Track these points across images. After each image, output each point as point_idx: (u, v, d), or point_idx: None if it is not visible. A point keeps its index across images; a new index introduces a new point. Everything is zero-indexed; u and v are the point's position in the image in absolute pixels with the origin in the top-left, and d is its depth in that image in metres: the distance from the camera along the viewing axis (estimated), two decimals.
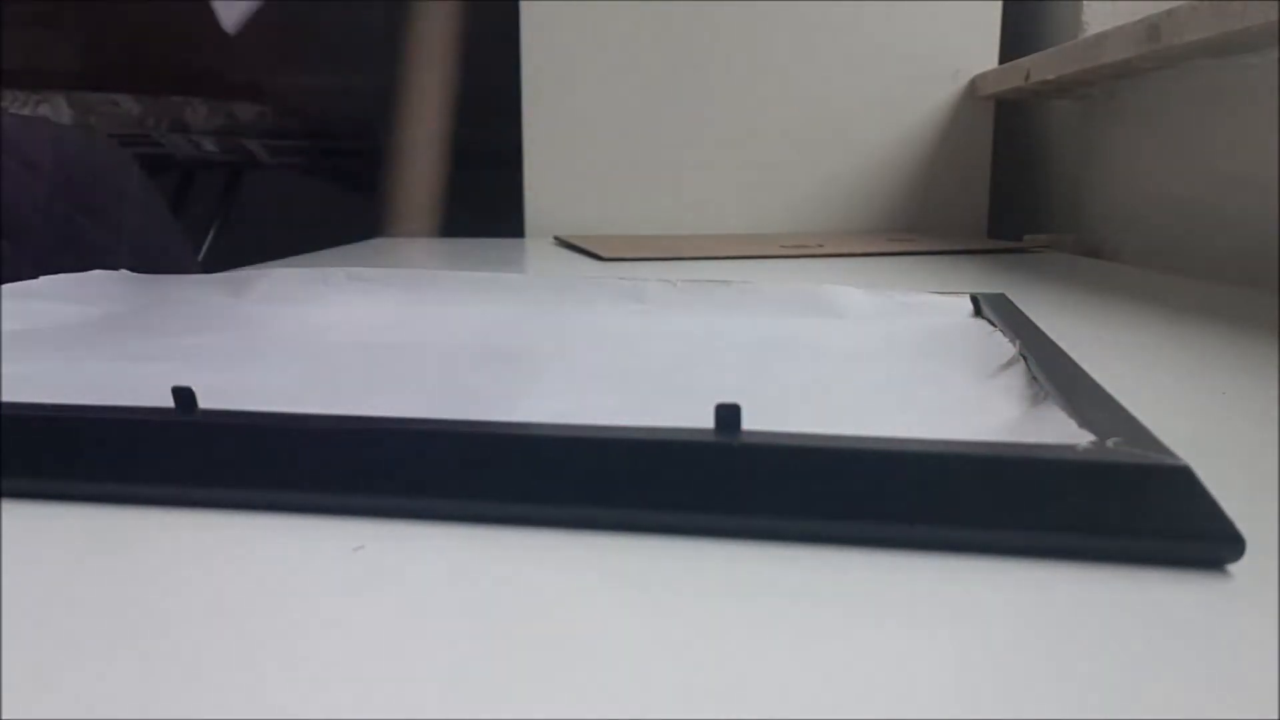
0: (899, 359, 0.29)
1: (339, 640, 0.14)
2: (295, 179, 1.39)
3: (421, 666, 0.13)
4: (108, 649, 0.13)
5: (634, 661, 0.13)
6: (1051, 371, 0.23)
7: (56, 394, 0.22)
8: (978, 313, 0.36)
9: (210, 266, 0.89)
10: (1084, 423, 0.18)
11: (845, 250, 0.77)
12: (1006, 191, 1.04)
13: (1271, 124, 0.59)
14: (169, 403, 0.20)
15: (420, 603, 0.15)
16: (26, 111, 1.10)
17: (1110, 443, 0.17)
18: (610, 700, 0.12)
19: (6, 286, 0.39)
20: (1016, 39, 0.98)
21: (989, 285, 0.54)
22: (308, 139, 1.35)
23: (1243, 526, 0.16)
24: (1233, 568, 0.16)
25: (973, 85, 0.98)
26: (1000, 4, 0.98)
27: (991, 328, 0.31)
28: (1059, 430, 0.18)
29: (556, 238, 0.94)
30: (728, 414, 0.18)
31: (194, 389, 0.21)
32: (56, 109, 1.12)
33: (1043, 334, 0.30)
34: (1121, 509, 0.16)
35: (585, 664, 0.13)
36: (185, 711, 0.12)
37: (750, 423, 0.18)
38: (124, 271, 0.44)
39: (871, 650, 0.13)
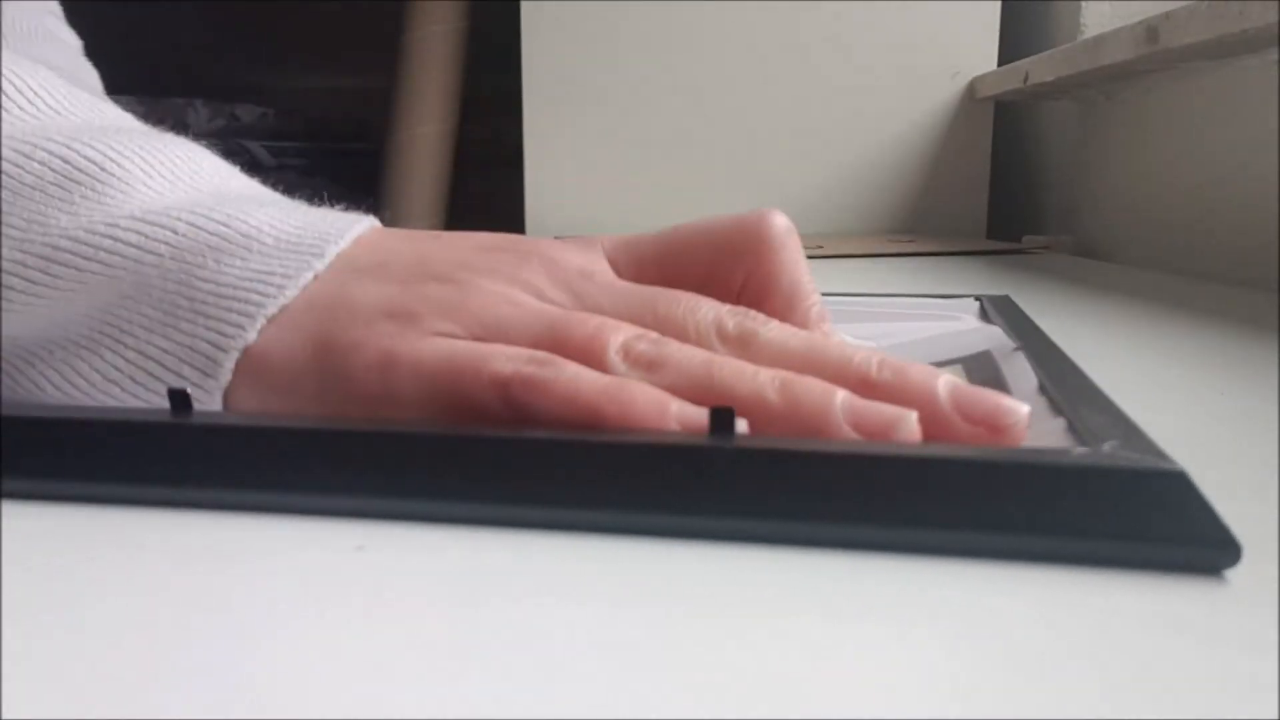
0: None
1: (339, 640, 0.14)
2: (297, 180, 1.39)
3: (421, 667, 0.13)
4: (107, 650, 0.13)
5: (629, 664, 0.13)
6: (1049, 374, 0.23)
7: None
8: (984, 315, 0.36)
9: None
10: (1080, 426, 0.18)
11: (845, 251, 0.77)
12: (1006, 193, 1.04)
13: (1271, 124, 0.59)
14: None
15: (420, 603, 0.15)
16: None
17: (1106, 446, 0.17)
18: (606, 702, 0.12)
19: None
20: (1016, 40, 0.98)
21: (989, 286, 0.54)
22: (309, 140, 1.35)
23: (1240, 531, 0.16)
24: (1229, 574, 0.16)
25: (972, 87, 0.98)
26: (1000, 5, 0.98)
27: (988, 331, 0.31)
28: (1054, 434, 0.19)
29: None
30: (722, 418, 0.18)
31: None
32: None
33: (1044, 336, 0.30)
34: (1116, 514, 0.16)
35: (581, 666, 0.13)
36: (185, 712, 0.12)
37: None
38: None
39: (866, 655, 0.13)
